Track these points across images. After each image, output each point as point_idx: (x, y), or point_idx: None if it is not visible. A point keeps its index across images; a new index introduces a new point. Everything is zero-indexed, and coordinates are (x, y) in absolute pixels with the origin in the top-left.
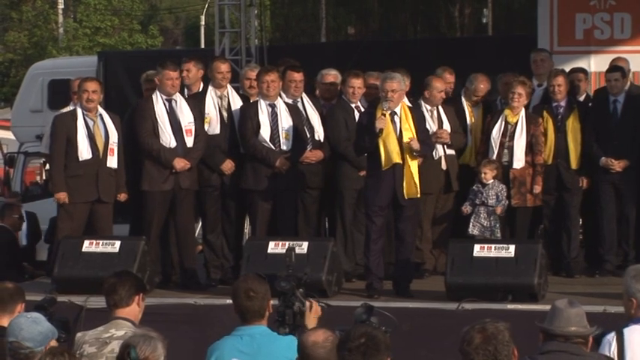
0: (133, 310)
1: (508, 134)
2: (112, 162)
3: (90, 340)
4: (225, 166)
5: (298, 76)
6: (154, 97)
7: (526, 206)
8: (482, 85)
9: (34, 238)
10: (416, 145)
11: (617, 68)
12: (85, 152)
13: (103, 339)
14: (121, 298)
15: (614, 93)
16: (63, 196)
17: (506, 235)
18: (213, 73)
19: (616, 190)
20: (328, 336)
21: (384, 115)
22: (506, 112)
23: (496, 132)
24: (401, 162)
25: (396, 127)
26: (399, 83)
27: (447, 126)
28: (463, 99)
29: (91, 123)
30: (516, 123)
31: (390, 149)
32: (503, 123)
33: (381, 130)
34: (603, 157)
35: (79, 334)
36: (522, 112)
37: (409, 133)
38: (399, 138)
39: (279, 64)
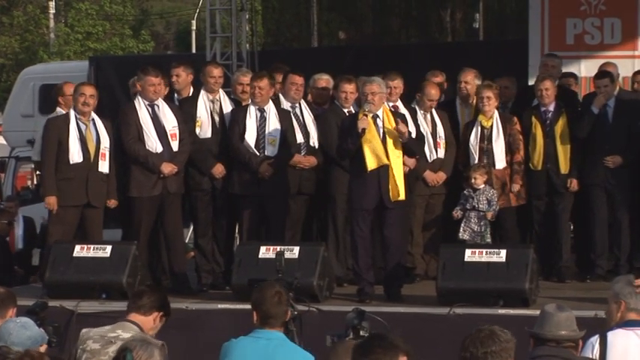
0: (148, 321)
1: (485, 138)
2: (104, 167)
3: (95, 337)
4: (216, 171)
5: (299, 80)
6: (136, 102)
7: (511, 206)
8: (469, 77)
9: (30, 243)
10: (404, 129)
11: (605, 74)
12: (75, 156)
13: (109, 338)
14: (142, 304)
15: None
16: (52, 200)
17: (495, 238)
18: (206, 77)
19: (608, 194)
20: None
21: (366, 115)
22: (480, 117)
23: (473, 138)
24: (387, 163)
25: (379, 130)
26: (379, 86)
27: (440, 130)
28: (457, 101)
29: (83, 127)
30: (491, 126)
31: (374, 151)
32: (479, 128)
33: (364, 130)
34: (608, 157)
35: (84, 330)
36: (496, 114)
37: (392, 135)
38: (383, 140)
39: (271, 70)
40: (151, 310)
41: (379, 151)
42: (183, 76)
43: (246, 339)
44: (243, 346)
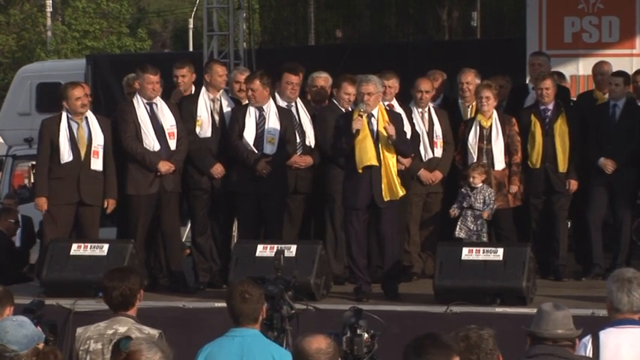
0: (135, 307)
1: (485, 139)
2: (96, 164)
3: (94, 336)
4: (215, 170)
5: (295, 79)
6: (134, 101)
7: (509, 207)
8: (470, 78)
9: (28, 242)
10: (391, 131)
11: (621, 73)
12: (66, 155)
13: (108, 335)
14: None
15: (613, 97)
16: (42, 201)
17: (492, 238)
18: (214, 76)
19: (609, 193)
20: (330, 342)
21: (361, 116)
22: (479, 117)
23: (472, 138)
24: (377, 164)
25: (373, 129)
26: (375, 86)
27: (438, 129)
28: (459, 101)
29: (75, 126)
30: (491, 126)
31: (366, 151)
32: (478, 128)
33: (358, 131)
34: (602, 158)
35: (80, 330)
36: (495, 115)
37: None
38: (376, 140)
39: (287, 69)
40: (134, 297)
41: (369, 153)
42: (188, 77)
43: (221, 339)
44: (219, 345)
